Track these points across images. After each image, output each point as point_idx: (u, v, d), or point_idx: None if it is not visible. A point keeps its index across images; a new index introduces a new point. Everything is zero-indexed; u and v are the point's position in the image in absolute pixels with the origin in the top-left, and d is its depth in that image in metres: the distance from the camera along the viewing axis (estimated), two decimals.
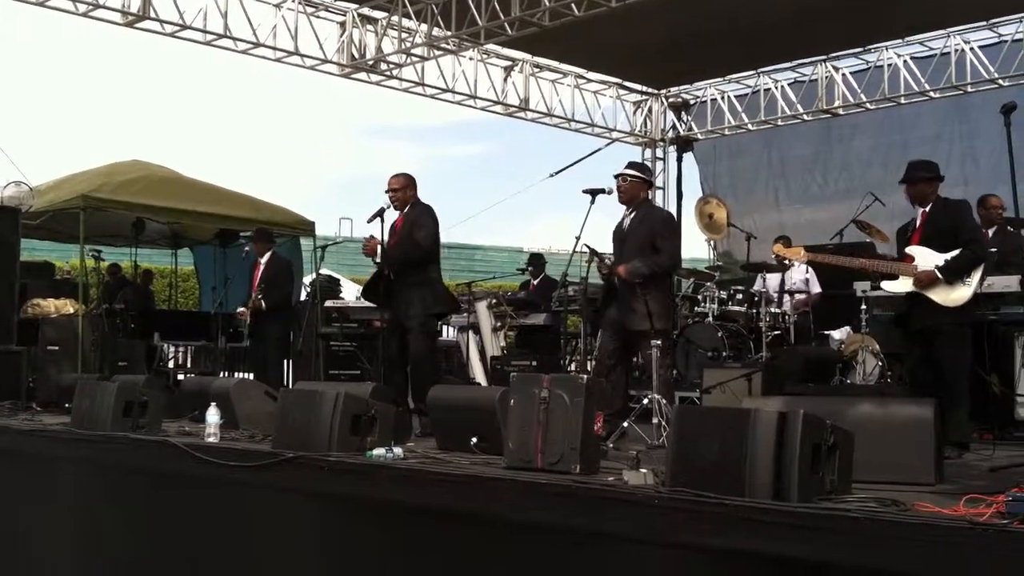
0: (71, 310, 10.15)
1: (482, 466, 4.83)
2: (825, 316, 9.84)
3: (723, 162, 15.31)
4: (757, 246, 10.34)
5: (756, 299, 9.47)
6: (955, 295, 6.07)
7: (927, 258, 6.15)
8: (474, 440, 5.30)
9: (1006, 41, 11.79)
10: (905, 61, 12.61)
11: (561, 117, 14.60)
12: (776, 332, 9.19)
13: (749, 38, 12.09)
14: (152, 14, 10.76)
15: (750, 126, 14.50)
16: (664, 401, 6.34)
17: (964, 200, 6.66)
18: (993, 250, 6.90)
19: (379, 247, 7.41)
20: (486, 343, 10.35)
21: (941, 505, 3.50)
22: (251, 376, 10.07)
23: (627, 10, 10.04)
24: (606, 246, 7.17)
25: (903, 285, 6.24)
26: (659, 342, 6.53)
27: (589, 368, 7.34)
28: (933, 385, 6.01)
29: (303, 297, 12.27)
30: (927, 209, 6.33)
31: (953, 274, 6.06)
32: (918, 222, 6.38)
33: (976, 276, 6.09)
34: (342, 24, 12.23)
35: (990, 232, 7.79)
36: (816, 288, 10.05)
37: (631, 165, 7.18)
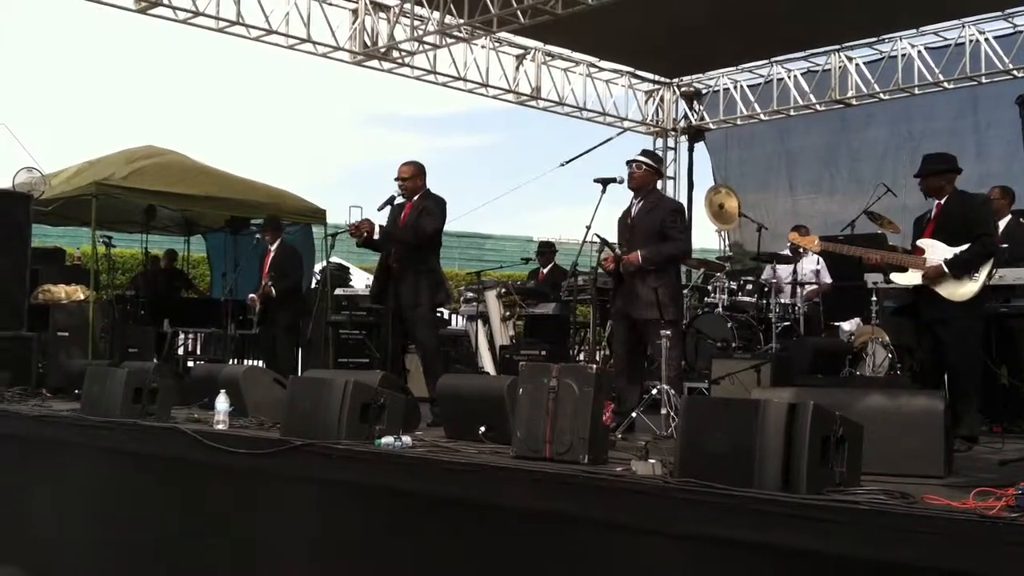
0: (81, 296, 10.18)
1: (490, 455, 4.82)
2: (835, 307, 9.80)
3: (735, 152, 15.24)
4: (768, 236, 10.30)
5: (766, 289, 9.44)
6: (962, 290, 6.05)
7: (937, 251, 6.13)
8: (482, 429, 5.29)
9: (1021, 32, 11.70)
10: (919, 51, 12.52)
11: (572, 106, 14.55)
12: (786, 323, 9.16)
13: (762, 27, 12.03)
14: (165, 0, 10.77)
15: (762, 116, 14.41)
16: (673, 392, 6.33)
17: (982, 194, 6.62)
18: (1004, 246, 6.86)
19: (376, 226, 7.41)
20: (495, 332, 10.34)
21: (950, 498, 3.48)
22: (261, 363, 10.10)
23: None
24: (616, 235, 7.18)
25: (912, 278, 6.22)
26: (669, 332, 6.52)
27: (598, 358, 7.34)
28: (941, 377, 6.00)
29: (313, 285, 12.28)
30: (942, 201, 6.30)
31: (960, 269, 6.03)
32: (932, 214, 6.36)
33: (984, 271, 6.06)
34: (354, 11, 12.21)
35: (1001, 225, 7.74)
36: (827, 279, 10.01)
37: (644, 153, 7.22)
